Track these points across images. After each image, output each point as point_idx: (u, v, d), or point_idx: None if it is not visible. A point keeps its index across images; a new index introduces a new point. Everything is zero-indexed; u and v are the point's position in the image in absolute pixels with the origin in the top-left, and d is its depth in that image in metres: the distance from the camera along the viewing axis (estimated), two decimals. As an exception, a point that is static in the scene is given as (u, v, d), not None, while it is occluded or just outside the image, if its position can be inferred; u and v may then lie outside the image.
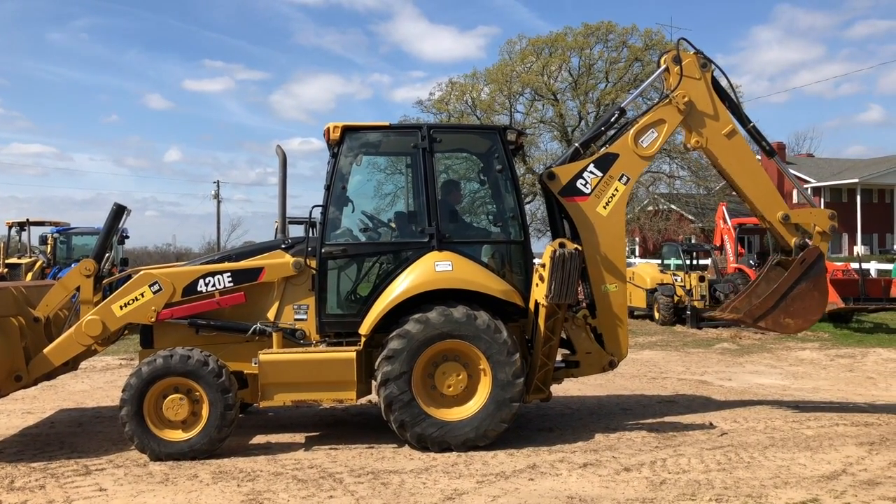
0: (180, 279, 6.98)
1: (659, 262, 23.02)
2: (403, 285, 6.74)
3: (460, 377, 6.70)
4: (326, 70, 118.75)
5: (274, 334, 6.93)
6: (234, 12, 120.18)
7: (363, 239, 7.33)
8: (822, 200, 41.95)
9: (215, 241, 54.14)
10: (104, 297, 7.15)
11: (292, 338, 7.00)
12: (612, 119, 7.85)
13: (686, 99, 7.66)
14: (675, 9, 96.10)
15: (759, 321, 7.64)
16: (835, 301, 15.29)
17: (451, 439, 6.57)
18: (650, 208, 39.50)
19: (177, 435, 6.52)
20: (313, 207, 7.00)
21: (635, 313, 19.48)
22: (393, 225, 7.56)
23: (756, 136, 8.03)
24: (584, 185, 7.47)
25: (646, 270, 19.95)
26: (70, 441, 7.24)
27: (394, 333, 6.60)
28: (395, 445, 6.82)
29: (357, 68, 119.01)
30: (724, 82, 7.94)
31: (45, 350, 6.86)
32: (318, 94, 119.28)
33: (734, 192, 8.64)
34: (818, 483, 5.65)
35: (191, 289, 6.97)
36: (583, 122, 36.91)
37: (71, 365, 7.56)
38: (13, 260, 20.24)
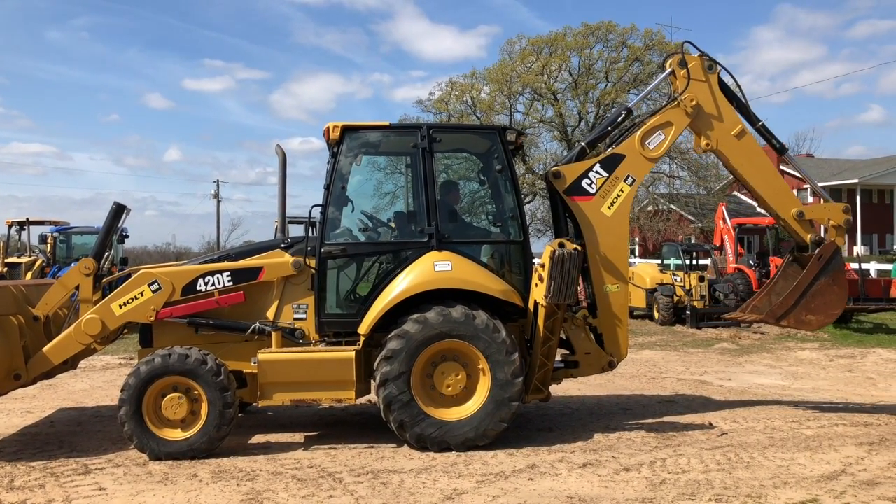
0: (180, 278, 6.98)
1: (659, 262, 23.02)
2: (402, 285, 6.73)
3: (459, 377, 6.69)
4: (326, 69, 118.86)
5: (273, 334, 6.93)
6: (234, 11, 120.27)
7: (362, 239, 7.33)
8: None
9: (215, 241, 54.21)
10: (103, 296, 7.14)
11: (291, 337, 7.00)
12: (619, 119, 7.87)
13: (694, 102, 7.65)
14: (675, 9, 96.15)
15: (781, 320, 7.65)
16: None
17: (450, 439, 6.57)
18: (650, 208, 39.51)
19: (176, 434, 6.52)
20: (313, 207, 7.01)
21: (635, 313, 19.48)
22: (392, 225, 7.56)
23: (766, 134, 8.03)
24: (590, 185, 7.47)
25: (645, 270, 19.97)
26: (69, 440, 7.23)
27: (393, 333, 6.60)
28: (394, 445, 6.81)
29: (357, 68, 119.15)
30: (730, 82, 7.93)
31: (45, 349, 6.86)
32: (318, 94, 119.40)
33: (746, 192, 8.66)
34: (818, 483, 5.65)
35: (190, 288, 6.97)
36: (583, 122, 36.89)
37: (70, 364, 7.56)
38: (13, 259, 20.20)
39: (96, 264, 7.13)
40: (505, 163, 7.21)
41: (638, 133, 7.63)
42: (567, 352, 7.52)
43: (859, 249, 36.74)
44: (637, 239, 41.40)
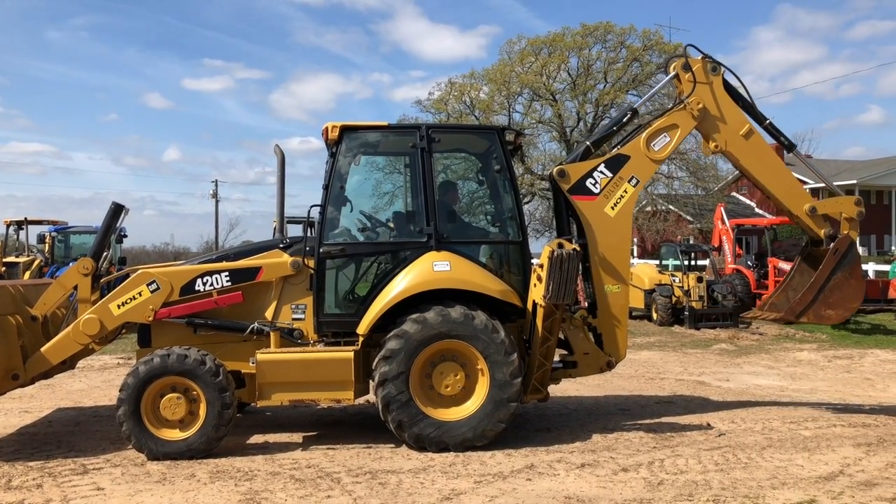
0: (178, 278, 6.98)
1: (657, 262, 23.05)
2: (401, 285, 6.73)
3: (458, 377, 6.70)
4: (326, 69, 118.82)
5: (272, 334, 6.93)
6: (234, 11, 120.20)
7: (361, 239, 7.33)
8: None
9: (213, 241, 54.20)
10: (102, 296, 7.14)
11: (290, 337, 6.99)
12: (625, 119, 7.87)
13: (700, 105, 7.64)
14: (674, 9, 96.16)
15: (801, 317, 7.69)
16: None
17: (448, 439, 6.57)
18: (648, 209, 39.49)
19: (174, 434, 6.52)
20: (312, 207, 7.01)
21: (633, 314, 19.48)
22: (391, 225, 7.56)
23: (774, 132, 8.03)
24: (594, 185, 7.47)
25: (644, 271, 20.00)
26: (67, 440, 7.23)
27: (391, 333, 6.60)
28: (392, 445, 6.81)
29: (357, 68, 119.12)
30: (735, 83, 7.92)
31: (43, 349, 6.85)
32: (317, 94, 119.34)
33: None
34: (815, 484, 5.66)
35: (189, 288, 6.97)
36: (581, 123, 36.88)
37: (68, 364, 7.55)
38: (11, 259, 20.17)
39: (95, 264, 7.12)
40: (504, 163, 7.21)
41: (643, 135, 7.64)
42: (565, 352, 7.53)
43: (857, 250, 36.73)
44: (636, 239, 41.40)
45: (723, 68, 7.80)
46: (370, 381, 6.82)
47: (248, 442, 7.13)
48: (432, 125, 7.48)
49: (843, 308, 7.69)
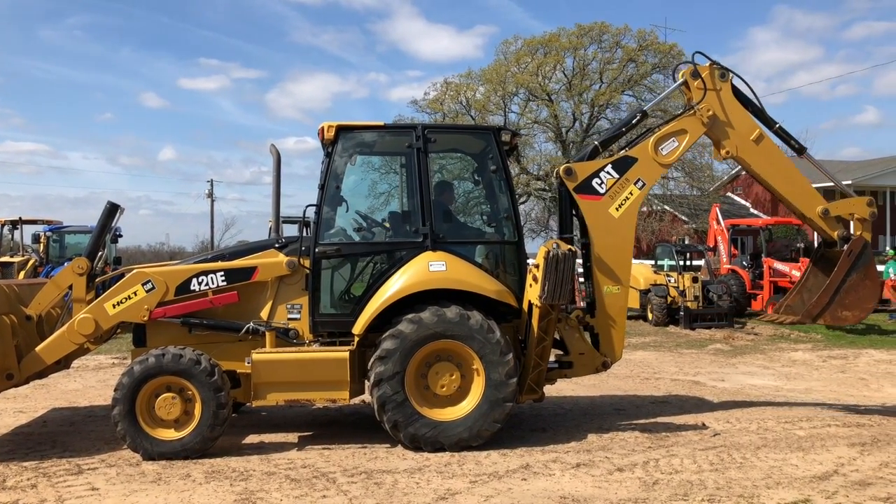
0: (173, 278, 6.96)
1: (652, 262, 23.07)
2: (397, 285, 6.74)
3: (453, 377, 6.70)
4: (323, 69, 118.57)
5: (267, 333, 6.92)
6: (230, 10, 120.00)
7: (357, 238, 7.33)
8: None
9: (209, 240, 54.13)
10: (97, 296, 7.12)
11: (285, 337, 6.99)
12: (634, 121, 7.89)
13: (710, 112, 7.65)
14: (671, 9, 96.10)
15: (817, 319, 7.74)
16: None
17: (444, 439, 6.58)
18: (644, 209, 39.55)
19: (169, 434, 6.51)
20: (307, 207, 7.00)
21: (628, 314, 19.48)
22: (387, 225, 7.56)
23: (783, 136, 8.03)
24: (600, 185, 7.49)
25: (639, 271, 19.99)
26: (62, 440, 7.21)
27: (387, 333, 6.60)
28: (388, 445, 6.81)
29: (353, 67, 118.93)
30: (744, 88, 7.92)
31: (37, 348, 6.84)
32: (314, 93, 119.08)
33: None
34: (810, 483, 5.68)
35: (184, 288, 6.95)
36: (577, 123, 36.94)
37: (63, 363, 7.53)
38: (5, 258, 20.13)
39: (90, 264, 7.11)
40: (499, 163, 7.22)
41: (652, 138, 7.65)
42: (561, 352, 7.53)
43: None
44: (631, 239, 41.40)
45: (731, 74, 7.81)
46: (366, 381, 6.81)
47: (243, 442, 7.12)
48: (428, 125, 7.49)
49: (860, 309, 7.72)
